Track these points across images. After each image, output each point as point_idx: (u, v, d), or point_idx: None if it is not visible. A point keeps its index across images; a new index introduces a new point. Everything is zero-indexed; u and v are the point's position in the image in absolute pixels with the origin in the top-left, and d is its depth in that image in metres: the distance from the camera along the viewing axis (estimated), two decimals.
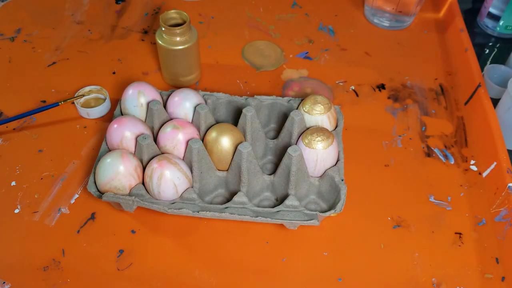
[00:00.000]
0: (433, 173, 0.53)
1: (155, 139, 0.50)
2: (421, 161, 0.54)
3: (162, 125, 0.50)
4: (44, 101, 0.58)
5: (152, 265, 0.45)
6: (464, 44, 0.64)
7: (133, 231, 0.47)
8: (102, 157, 0.47)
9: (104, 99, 0.58)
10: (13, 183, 0.51)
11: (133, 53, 0.65)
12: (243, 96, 0.54)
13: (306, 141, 0.47)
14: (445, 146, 0.56)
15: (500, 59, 0.68)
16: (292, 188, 0.47)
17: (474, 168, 0.54)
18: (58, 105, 0.55)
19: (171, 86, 0.61)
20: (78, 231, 0.47)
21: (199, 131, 0.51)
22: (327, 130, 0.48)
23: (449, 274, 0.46)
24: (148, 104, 0.51)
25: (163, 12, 0.55)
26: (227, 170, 0.49)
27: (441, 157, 0.55)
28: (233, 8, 0.73)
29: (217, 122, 0.52)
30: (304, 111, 0.51)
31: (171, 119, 0.52)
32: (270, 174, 0.49)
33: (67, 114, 0.57)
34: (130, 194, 0.46)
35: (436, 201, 0.51)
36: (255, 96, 0.54)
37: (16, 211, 0.49)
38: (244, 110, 0.50)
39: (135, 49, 0.66)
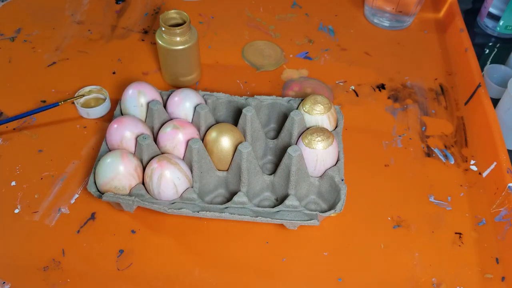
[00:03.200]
0: (433, 173, 0.53)
1: (155, 139, 0.50)
2: (421, 161, 0.54)
3: (162, 125, 0.50)
4: (44, 101, 0.58)
5: (152, 265, 0.45)
6: (464, 44, 0.64)
7: (133, 231, 0.47)
8: (102, 157, 0.47)
9: (104, 99, 0.58)
10: (13, 183, 0.51)
11: (133, 53, 0.65)
12: (243, 96, 0.54)
13: (306, 141, 0.47)
14: (445, 146, 0.56)
15: (500, 59, 0.68)
16: (292, 188, 0.47)
17: (474, 168, 0.54)
18: (58, 105, 0.55)
19: (171, 86, 0.61)
20: (78, 231, 0.47)
21: (199, 131, 0.51)
22: (327, 130, 0.48)
23: (449, 274, 0.46)
24: (148, 104, 0.51)
25: (163, 12, 0.55)
26: (227, 170, 0.49)
27: (441, 157, 0.55)
28: (233, 8, 0.73)
29: (217, 122, 0.52)
30: (304, 111, 0.51)
31: (171, 119, 0.52)
32: (270, 174, 0.49)
33: (67, 114, 0.57)
34: (130, 194, 0.46)
35: (436, 201, 0.51)
36: (255, 96, 0.54)
37: (16, 211, 0.49)
38: (244, 110, 0.50)
39: (135, 49, 0.66)
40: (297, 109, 0.52)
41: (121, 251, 0.46)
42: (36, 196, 0.50)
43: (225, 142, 0.48)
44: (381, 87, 0.62)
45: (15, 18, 0.69)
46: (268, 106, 0.55)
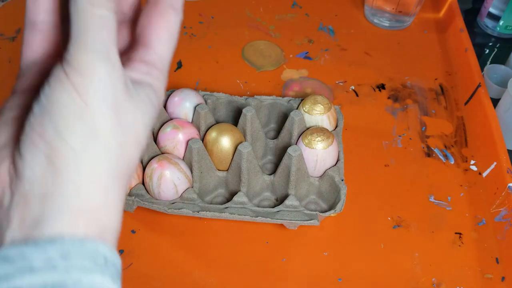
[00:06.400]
0: (433, 173, 0.53)
1: (155, 139, 0.50)
2: (421, 161, 0.54)
3: (162, 125, 0.50)
4: None
5: (152, 265, 0.45)
6: (464, 44, 0.64)
7: (133, 231, 0.47)
8: None
9: None
10: None
11: None
12: (243, 96, 0.54)
13: (306, 141, 0.47)
14: (445, 146, 0.56)
15: (500, 59, 0.68)
16: (292, 188, 0.47)
17: (474, 168, 0.54)
18: None
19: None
20: None
21: (199, 131, 0.51)
22: (327, 130, 0.48)
23: (449, 274, 0.46)
24: None
25: None
26: (227, 170, 0.49)
27: (441, 157, 0.55)
28: (233, 8, 0.73)
29: (217, 122, 0.52)
30: (304, 111, 0.51)
31: (171, 119, 0.52)
32: (270, 174, 0.49)
33: None
34: (130, 194, 0.46)
35: (436, 201, 0.51)
36: (255, 96, 0.54)
37: None
38: (244, 110, 0.50)
39: None
40: (297, 109, 0.52)
41: (121, 251, 0.46)
42: None
43: (225, 142, 0.48)
44: (381, 87, 0.62)
45: (15, 18, 0.69)
46: (268, 106, 0.55)
